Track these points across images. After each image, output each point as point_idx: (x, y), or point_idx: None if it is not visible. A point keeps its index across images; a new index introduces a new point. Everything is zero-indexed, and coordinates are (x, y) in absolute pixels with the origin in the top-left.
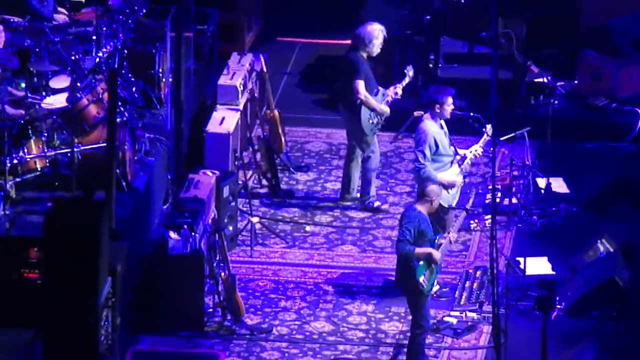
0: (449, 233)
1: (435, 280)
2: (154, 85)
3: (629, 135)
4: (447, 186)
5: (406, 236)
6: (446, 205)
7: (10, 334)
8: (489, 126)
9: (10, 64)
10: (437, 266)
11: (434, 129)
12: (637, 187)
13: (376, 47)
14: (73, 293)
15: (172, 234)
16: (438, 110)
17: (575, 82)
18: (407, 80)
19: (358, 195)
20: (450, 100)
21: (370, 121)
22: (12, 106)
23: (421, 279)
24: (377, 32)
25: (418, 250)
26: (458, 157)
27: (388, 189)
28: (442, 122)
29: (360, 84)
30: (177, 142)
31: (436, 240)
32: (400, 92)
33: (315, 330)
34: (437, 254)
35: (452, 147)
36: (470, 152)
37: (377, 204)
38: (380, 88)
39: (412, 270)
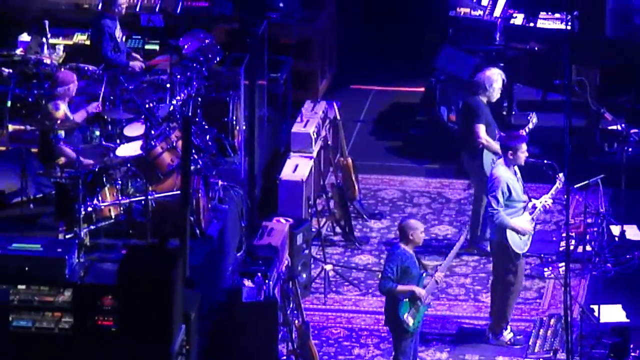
0: (435, 272)
1: (422, 318)
2: (228, 133)
3: None
4: (520, 232)
5: (388, 274)
6: (518, 252)
7: None
8: (561, 175)
9: None
10: (423, 304)
11: (506, 174)
12: None
13: (496, 92)
14: (147, 341)
15: (246, 282)
16: (512, 157)
17: None
18: (531, 125)
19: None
20: (524, 147)
21: (493, 165)
22: (85, 154)
23: (405, 316)
24: (496, 76)
25: (400, 287)
26: (530, 204)
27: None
28: (516, 168)
29: (481, 128)
30: (251, 190)
31: (423, 277)
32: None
33: None
34: (420, 291)
35: (525, 194)
36: (540, 202)
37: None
38: (502, 133)
39: (396, 307)
